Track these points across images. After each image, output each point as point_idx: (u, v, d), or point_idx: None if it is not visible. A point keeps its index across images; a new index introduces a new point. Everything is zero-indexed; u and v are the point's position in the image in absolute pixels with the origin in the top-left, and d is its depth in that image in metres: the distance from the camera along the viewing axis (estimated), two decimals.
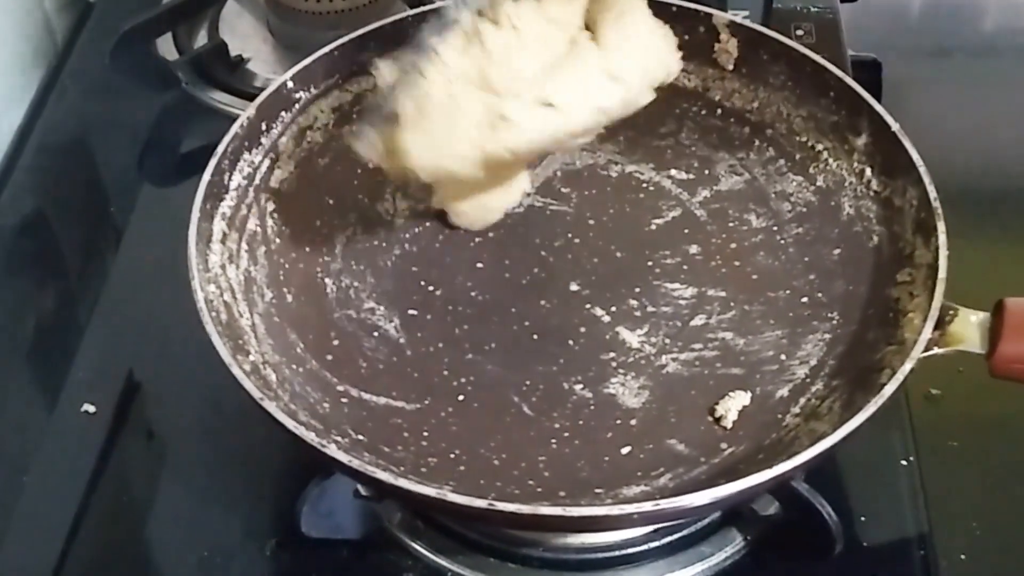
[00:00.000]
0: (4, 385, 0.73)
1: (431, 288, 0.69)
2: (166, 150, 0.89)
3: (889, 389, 0.56)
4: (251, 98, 0.87)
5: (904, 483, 0.66)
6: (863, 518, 0.64)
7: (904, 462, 0.66)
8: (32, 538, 0.65)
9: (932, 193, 0.64)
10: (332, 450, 0.54)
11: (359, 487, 0.61)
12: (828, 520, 0.62)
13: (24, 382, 0.74)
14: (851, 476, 0.66)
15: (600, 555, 0.64)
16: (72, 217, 0.85)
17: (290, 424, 0.55)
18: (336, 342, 0.66)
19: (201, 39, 0.94)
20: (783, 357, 0.65)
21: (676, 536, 0.64)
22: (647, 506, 0.52)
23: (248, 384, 0.56)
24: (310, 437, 0.54)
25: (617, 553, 0.63)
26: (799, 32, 0.85)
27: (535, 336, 0.66)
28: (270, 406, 0.55)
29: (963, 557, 0.63)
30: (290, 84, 0.72)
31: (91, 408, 0.70)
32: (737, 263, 0.70)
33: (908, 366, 0.57)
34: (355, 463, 0.53)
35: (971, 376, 0.68)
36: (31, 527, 0.65)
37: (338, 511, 0.64)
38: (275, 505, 0.66)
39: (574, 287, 0.69)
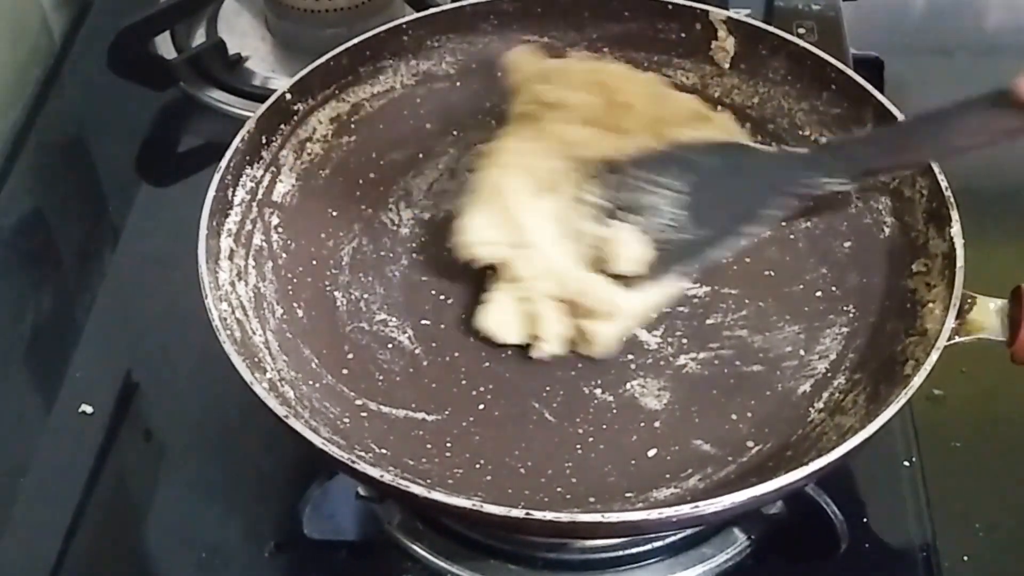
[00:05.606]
0: (2, 385, 0.73)
1: (442, 297, 0.68)
2: (164, 149, 0.89)
3: (917, 380, 0.56)
4: (249, 97, 0.87)
5: (906, 484, 0.66)
6: (865, 519, 0.64)
7: (907, 463, 0.66)
8: (30, 539, 0.64)
9: (943, 182, 0.64)
10: (363, 466, 0.53)
11: (359, 489, 0.61)
12: (834, 519, 0.62)
13: (22, 382, 0.73)
14: (853, 477, 0.66)
15: (601, 555, 0.63)
16: (70, 216, 0.85)
17: (318, 442, 0.54)
18: (350, 355, 0.65)
19: (199, 37, 0.94)
20: (802, 352, 0.64)
21: (678, 536, 0.63)
22: (685, 509, 0.52)
23: (272, 402, 0.55)
24: (339, 454, 0.54)
25: (619, 554, 0.63)
26: (801, 30, 0.85)
27: None
28: (296, 424, 0.54)
29: (966, 558, 0.63)
30: (288, 96, 0.71)
31: (89, 408, 0.70)
32: (748, 260, 0.69)
33: (935, 356, 0.57)
34: (387, 478, 0.53)
35: (973, 377, 0.68)
36: (29, 528, 0.65)
37: (339, 513, 0.64)
38: (274, 506, 0.66)
39: None
